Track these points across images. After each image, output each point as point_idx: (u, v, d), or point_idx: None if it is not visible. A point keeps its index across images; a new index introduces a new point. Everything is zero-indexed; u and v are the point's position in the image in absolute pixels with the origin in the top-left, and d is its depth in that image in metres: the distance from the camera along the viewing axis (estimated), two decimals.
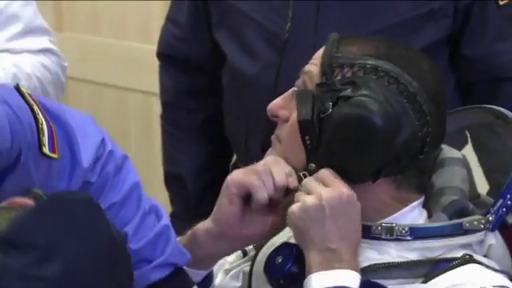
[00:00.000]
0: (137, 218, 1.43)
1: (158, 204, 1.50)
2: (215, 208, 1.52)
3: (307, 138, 1.42)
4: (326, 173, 1.39)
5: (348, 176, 1.39)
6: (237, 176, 1.48)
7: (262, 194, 1.42)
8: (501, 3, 1.89)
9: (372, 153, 1.39)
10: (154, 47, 2.24)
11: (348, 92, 1.38)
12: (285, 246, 1.46)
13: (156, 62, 2.27)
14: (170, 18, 2.11)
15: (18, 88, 1.44)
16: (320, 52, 1.47)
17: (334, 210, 1.35)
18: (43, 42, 2.21)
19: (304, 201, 1.36)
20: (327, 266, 1.33)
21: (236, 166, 2.02)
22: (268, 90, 1.77)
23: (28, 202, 1.11)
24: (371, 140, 1.38)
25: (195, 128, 2.10)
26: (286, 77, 1.66)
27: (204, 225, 1.53)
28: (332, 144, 1.40)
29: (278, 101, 1.49)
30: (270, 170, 1.44)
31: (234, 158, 2.20)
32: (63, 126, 1.38)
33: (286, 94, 1.49)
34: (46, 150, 1.30)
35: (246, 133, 1.97)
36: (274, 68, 1.86)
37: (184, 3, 2.04)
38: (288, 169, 1.43)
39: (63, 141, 1.37)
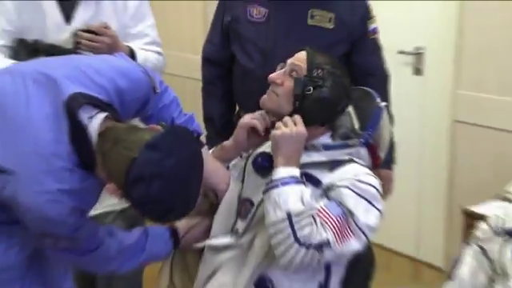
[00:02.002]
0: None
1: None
2: (233, 136, 2.14)
3: (297, 102, 1.98)
4: (298, 117, 1.94)
5: (308, 122, 1.95)
6: (246, 120, 2.10)
7: (261, 127, 2.06)
8: (371, 37, 2.60)
9: (326, 114, 2.02)
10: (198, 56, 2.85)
11: (321, 82, 1.98)
12: (263, 153, 2.07)
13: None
14: (209, 40, 2.78)
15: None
16: (302, 56, 2.04)
17: (296, 138, 1.92)
18: (158, 49, 2.84)
19: (283, 130, 1.91)
20: (286, 164, 1.90)
21: (239, 114, 2.67)
22: (259, 76, 2.37)
23: (159, 128, 1.76)
24: (327, 108, 2.00)
25: (219, 94, 2.78)
26: (268, 70, 2.15)
27: (228, 143, 2.17)
28: (308, 107, 1.96)
29: (276, 74, 2.06)
30: (262, 116, 2.08)
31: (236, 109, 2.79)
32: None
33: (280, 71, 2.05)
34: (157, 90, 2.01)
35: (248, 96, 2.52)
36: (261, 65, 2.48)
37: (216, 35, 2.72)
38: (266, 116, 2.07)
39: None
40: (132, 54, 2.61)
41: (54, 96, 1.75)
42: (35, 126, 1.75)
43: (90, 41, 2.49)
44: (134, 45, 2.68)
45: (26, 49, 2.52)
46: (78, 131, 1.73)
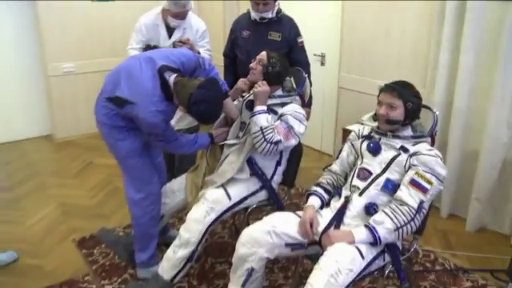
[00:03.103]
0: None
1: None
2: (235, 88, 1.97)
3: (266, 76, 1.83)
4: (264, 82, 1.80)
5: (270, 83, 1.81)
6: (240, 82, 1.94)
7: (245, 86, 1.92)
8: (299, 45, 2.36)
9: (277, 80, 1.84)
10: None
11: (274, 65, 1.82)
12: (250, 99, 1.90)
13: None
14: (226, 47, 2.54)
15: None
16: (264, 53, 1.85)
17: (264, 92, 1.78)
18: (210, 53, 2.61)
19: (258, 88, 1.78)
20: (260, 104, 1.77)
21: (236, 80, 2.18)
22: (245, 63, 2.17)
23: (203, 79, 1.62)
24: (278, 78, 1.84)
25: (231, 72, 2.52)
26: (249, 60, 1.97)
27: (233, 89, 1.98)
28: (269, 77, 1.82)
29: (253, 63, 1.87)
30: (247, 81, 1.92)
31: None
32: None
33: (255, 62, 1.86)
34: (202, 66, 1.82)
35: (241, 72, 2.34)
36: (246, 58, 2.28)
37: (228, 44, 2.51)
38: (248, 82, 1.89)
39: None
40: (199, 53, 2.42)
41: (153, 66, 1.67)
42: (145, 81, 1.65)
43: (180, 46, 2.39)
44: (200, 50, 2.56)
45: (149, 49, 2.36)
46: (164, 82, 1.64)
